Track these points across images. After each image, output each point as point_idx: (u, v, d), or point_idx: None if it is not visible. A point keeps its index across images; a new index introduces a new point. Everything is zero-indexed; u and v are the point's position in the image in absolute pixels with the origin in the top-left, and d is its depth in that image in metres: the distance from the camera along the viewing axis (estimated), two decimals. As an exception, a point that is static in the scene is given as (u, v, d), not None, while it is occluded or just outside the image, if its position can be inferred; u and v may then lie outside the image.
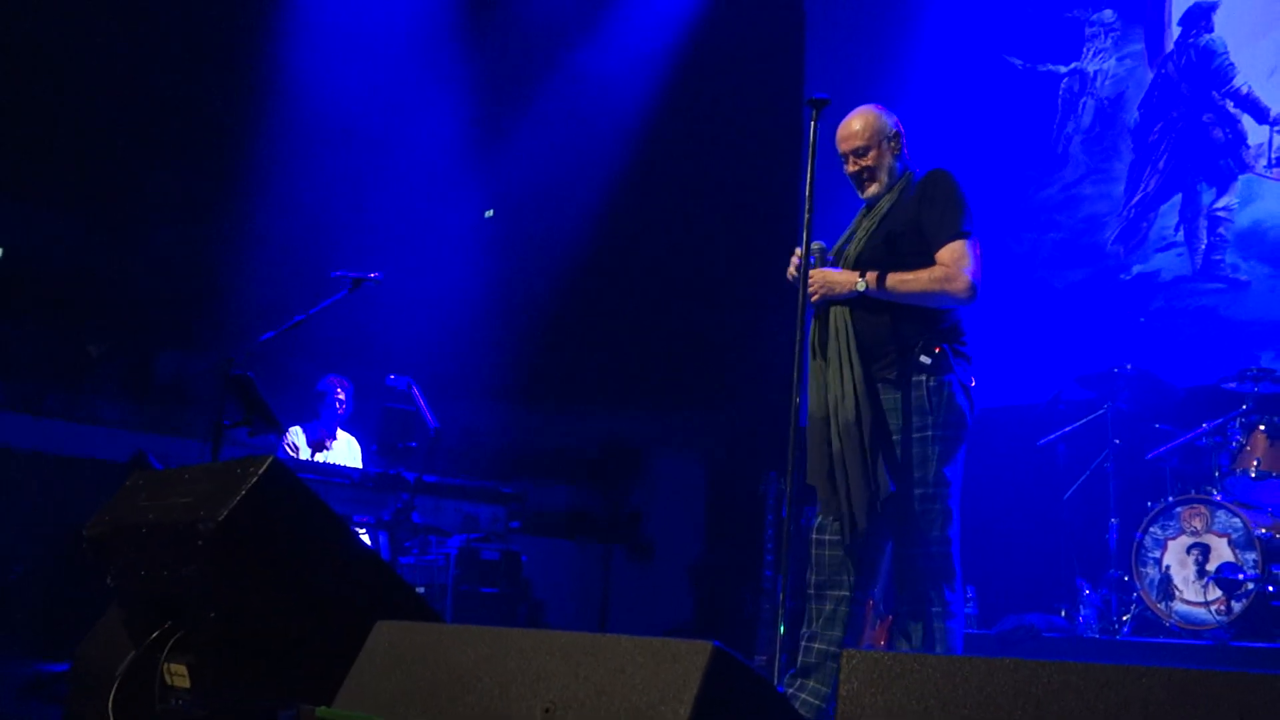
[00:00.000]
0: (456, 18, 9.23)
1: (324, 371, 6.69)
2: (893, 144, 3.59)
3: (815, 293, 3.37)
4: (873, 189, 3.59)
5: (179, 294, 9.42)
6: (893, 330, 3.37)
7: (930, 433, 3.30)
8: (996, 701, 1.69)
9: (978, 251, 3.44)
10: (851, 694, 1.78)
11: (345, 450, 6.60)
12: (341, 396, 6.55)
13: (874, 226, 3.52)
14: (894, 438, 3.32)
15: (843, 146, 3.62)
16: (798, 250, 3.49)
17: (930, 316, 3.39)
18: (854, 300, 3.39)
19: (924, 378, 3.32)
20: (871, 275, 3.35)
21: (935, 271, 3.36)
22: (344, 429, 6.64)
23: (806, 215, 3.39)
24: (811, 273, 3.36)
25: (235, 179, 9.02)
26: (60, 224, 10.00)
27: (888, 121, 3.61)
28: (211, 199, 9.39)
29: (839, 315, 3.41)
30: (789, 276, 3.54)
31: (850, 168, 3.62)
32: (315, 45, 8.81)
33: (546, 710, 1.98)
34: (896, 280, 3.35)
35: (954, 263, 3.37)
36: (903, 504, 3.28)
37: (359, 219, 9.17)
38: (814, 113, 3.39)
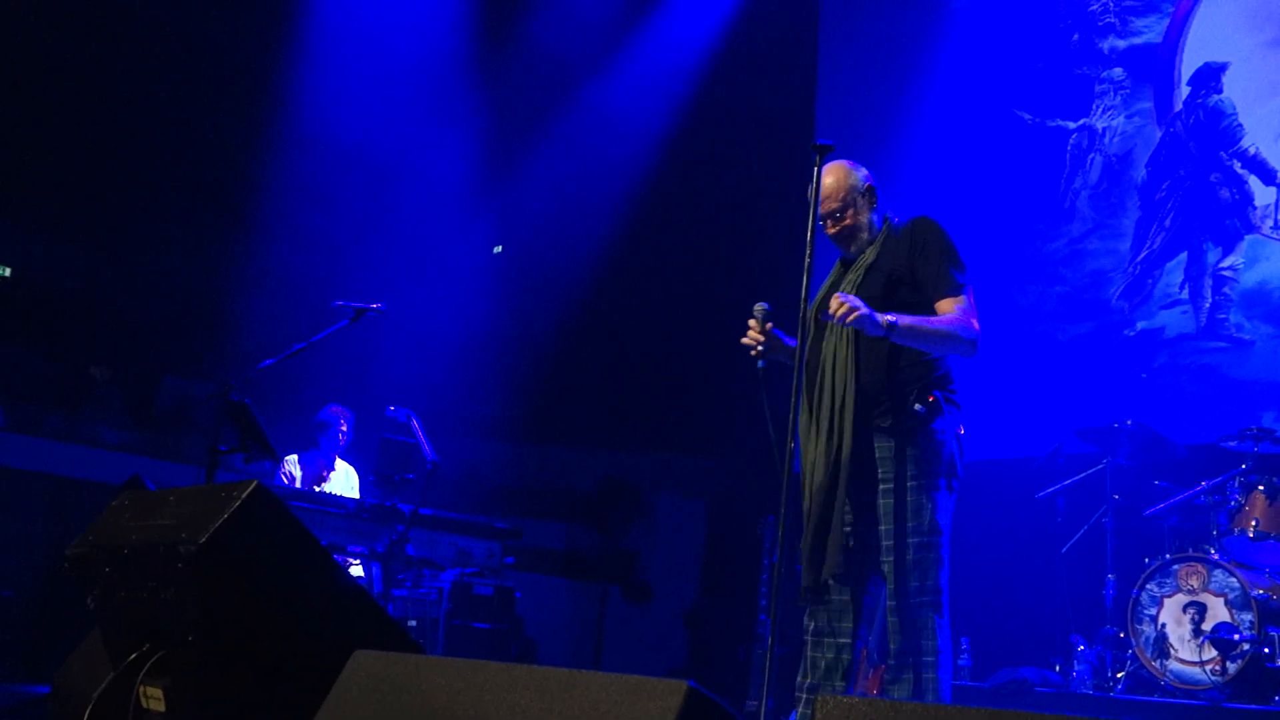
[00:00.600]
0: (469, 53, 9.32)
1: (325, 401, 6.70)
2: (867, 198, 3.57)
3: (846, 315, 3.18)
4: (855, 246, 3.58)
5: (183, 320, 9.47)
6: (890, 378, 3.35)
7: (924, 481, 3.30)
8: (970, 751, 1.66)
9: (974, 303, 3.44)
10: (824, 739, 1.76)
11: (343, 480, 6.60)
12: (344, 427, 6.55)
13: (859, 279, 3.47)
14: (886, 487, 3.30)
15: (820, 209, 3.57)
16: (754, 317, 3.47)
17: (926, 365, 3.38)
18: (858, 345, 3.36)
19: (916, 426, 3.31)
20: (894, 315, 3.26)
21: (952, 319, 3.35)
22: (343, 458, 6.64)
23: (807, 260, 3.34)
24: (841, 296, 3.24)
25: (242, 207, 9.09)
26: (68, 248, 10.08)
27: (859, 176, 3.59)
28: (218, 227, 9.46)
29: (840, 361, 3.37)
30: (750, 340, 3.47)
31: (830, 230, 3.58)
32: (327, 76, 8.90)
33: (518, 745, 1.96)
34: (918, 323, 3.30)
35: (964, 314, 3.37)
36: (897, 553, 3.26)
37: (365, 250, 9.21)
38: (817, 158, 3.38)
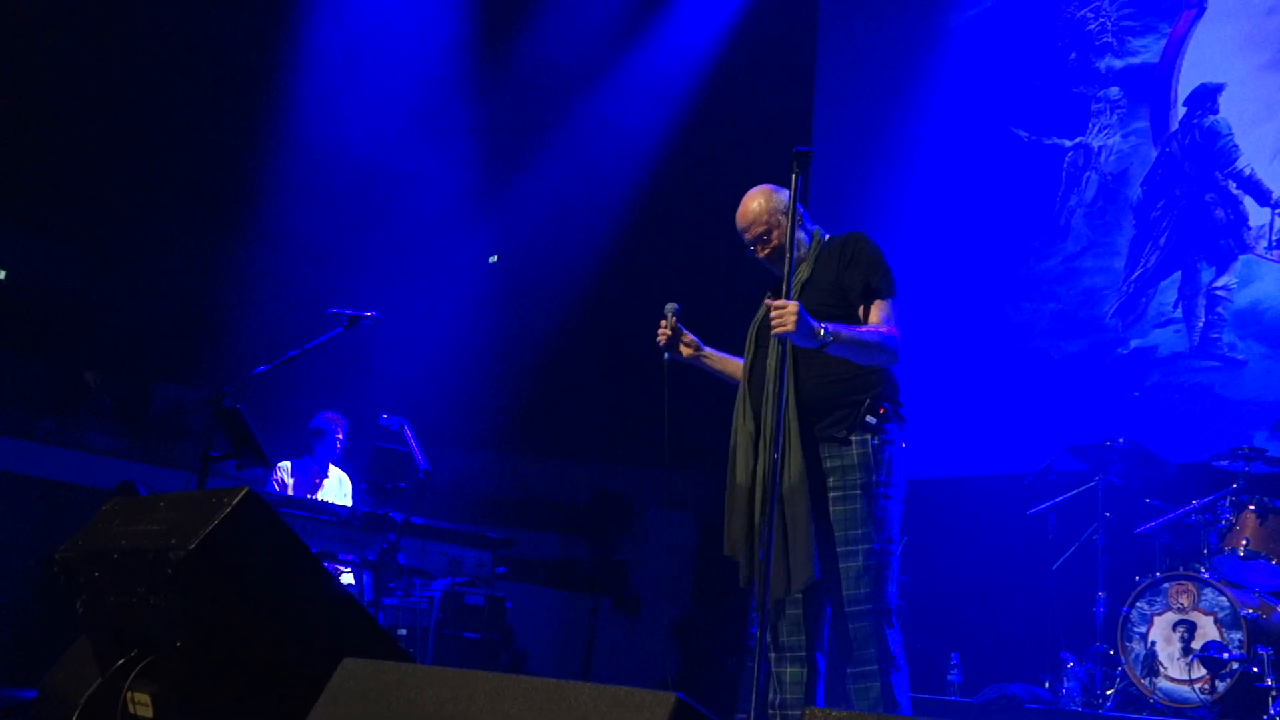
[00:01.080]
0: (467, 62, 9.34)
1: (318, 408, 6.69)
2: (790, 218, 3.49)
3: (780, 326, 3.15)
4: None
5: (177, 325, 9.46)
6: (841, 388, 3.37)
7: (875, 490, 3.31)
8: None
9: (897, 314, 3.48)
10: (811, 752, 1.76)
11: (336, 487, 6.58)
12: (339, 435, 6.53)
13: (796, 295, 3.42)
14: (836, 494, 3.32)
15: (746, 236, 3.63)
16: (666, 317, 3.60)
17: (872, 376, 3.40)
18: (798, 355, 3.35)
19: (868, 436, 3.33)
20: (831, 325, 3.25)
21: (878, 330, 3.38)
22: (337, 465, 6.63)
23: (786, 268, 3.35)
24: (780, 304, 3.19)
25: (237, 213, 9.09)
26: (62, 252, 10.07)
27: (780, 198, 3.61)
28: (213, 232, 9.46)
29: (777, 370, 3.27)
30: (661, 335, 3.61)
31: (761, 254, 3.63)
32: (324, 84, 8.91)
33: (505, 755, 1.95)
34: (850, 333, 3.31)
35: (887, 321, 3.41)
36: (849, 561, 3.27)
37: (360, 257, 9.21)
38: (794, 165, 3.31)
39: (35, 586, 6.64)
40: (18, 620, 6.54)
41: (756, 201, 3.61)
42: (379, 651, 2.51)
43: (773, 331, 3.18)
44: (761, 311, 3.61)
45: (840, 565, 3.28)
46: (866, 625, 3.24)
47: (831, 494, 3.33)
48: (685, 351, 3.70)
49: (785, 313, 3.14)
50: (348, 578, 5.85)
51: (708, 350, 3.76)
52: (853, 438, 3.34)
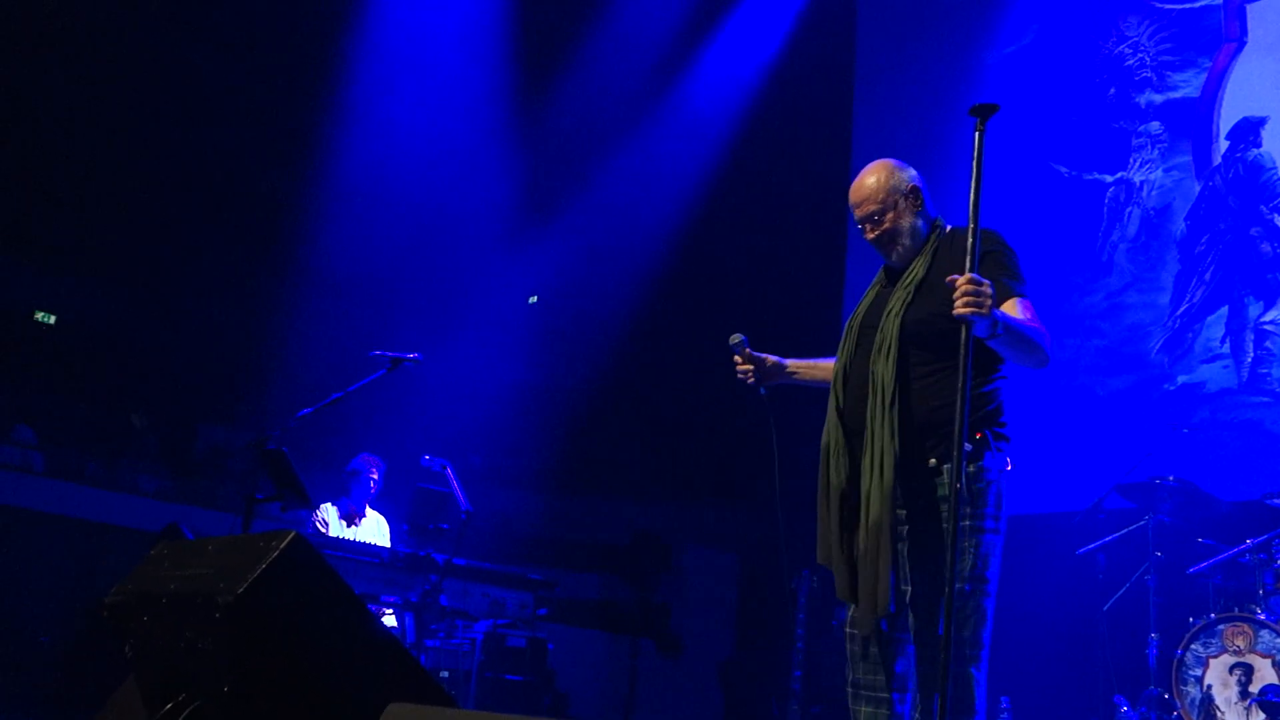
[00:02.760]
0: (507, 107, 9.44)
1: (361, 449, 6.73)
2: (910, 200, 3.24)
3: (972, 306, 2.78)
4: (897, 253, 3.26)
5: (222, 369, 9.57)
6: (943, 408, 3.01)
7: (974, 523, 3.01)
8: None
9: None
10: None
11: (374, 528, 6.60)
12: (375, 476, 6.56)
13: (909, 297, 3.15)
14: (928, 526, 3.03)
15: (857, 212, 3.28)
16: (739, 351, 3.40)
17: (983, 395, 3.09)
18: (904, 366, 3.08)
19: (966, 464, 2.98)
20: (1001, 314, 2.90)
21: (1037, 324, 3.06)
22: (373, 507, 6.65)
23: (970, 240, 2.88)
24: (975, 280, 2.81)
25: (281, 258, 9.20)
26: (110, 297, 10.23)
27: (904, 176, 3.27)
28: (257, 276, 9.57)
29: (883, 384, 3.07)
30: (741, 371, 3.40)
31: (869, 235, 3.28)
32: (367, 129, 9.03)
33: (553, 803, 1.93)
34: (1017, 326, 2.96)
35: (1038, 320, 3.09)
36: (933, 602, 2.96)
37: (403, 301, 9.29)
38: (979, 122, 2.95)
39: (80, 629, 6.69)
40: (64, 662, 6.59)
41: (874, 177, 3.26)
42: (424, 696, 2.50)
43: (957, 311, 2.79)
44: (865, 303, 3.32)
45: (930, 605, 2.98)
46: (954, 670, 2.84)
47: (922, 525, 3.05)
48: (772, 376, 3.44)
49: (983, 291, 2.79)
50: (390, 619, 5.85)
51: (792, 363, 3.49)
52: (945, 466, 3.01)
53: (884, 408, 3.06)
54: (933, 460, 3.04)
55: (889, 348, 3.11)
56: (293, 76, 9.18)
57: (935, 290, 3.06)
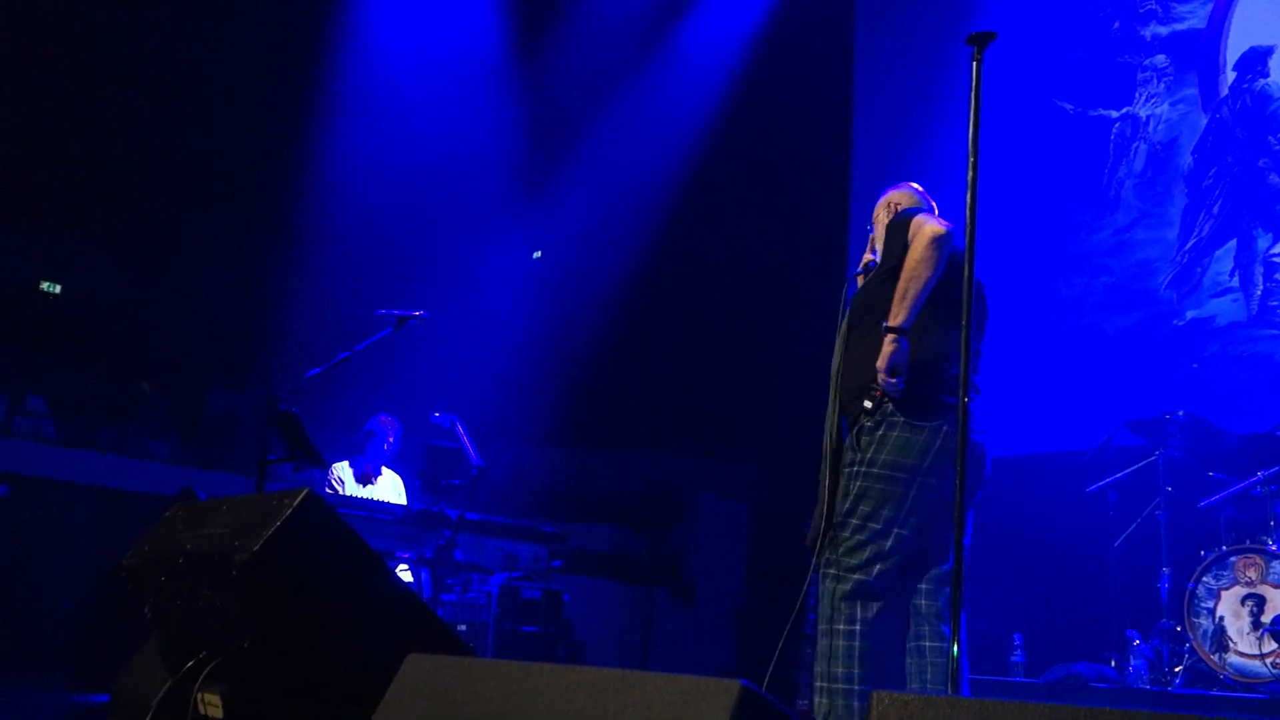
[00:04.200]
0: (506, 60, 9.36)
1: (370, 408, 6.74)
2: (885, 211, 3.84)
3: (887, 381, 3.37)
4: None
5: (229, 332, 9.57)
6: (858, 374, 3.50)
7: (854, 469, 3.43)
8: (1031, 746, 1.64)
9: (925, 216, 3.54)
10: (881, 736, 1.74)
11: (390, 487, 6.63)
12: (391, 439, 6.58)
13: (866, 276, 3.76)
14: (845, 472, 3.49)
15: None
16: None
17: (869, 360, 3.45)
18: (846, 341, 3.59)
19: (864, 419, 3.45)
20: (887, 321, 3.37)
21: (909, 258, 3.40)
22: (389, 467, 6.68)
23: (971, 175, 2.97)
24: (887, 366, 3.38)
25: (284, 219, 9.18)
26: (115, 265, 10.23)
27: (893, 196, 3.88)
28: (261, 239, 9.55)
29: (837, 351, 3.63)
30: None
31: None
32: (364, 87, 8.97)
33: (573, 747, 1.95)
34: (901, 299, 3.37)
35: (914, 235, 3.43)
36: (837, 531, 3.45)
37: (407, 258, 9.27)
38: (976, 51, 3.02)
39: (99, 593, 6.75)
40: (83, 627, 6.66)
41: (884, 195, 3.89)
42: (442, 646, 2.53)
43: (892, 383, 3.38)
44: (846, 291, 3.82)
45: (829, 535, 3.48)
46: (829, 589, 3.44)
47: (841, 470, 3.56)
48: None
49: (891, 381, 3.37)
50: (406, 575, 5.89)
51: None
52: (856, 421, 3.51)
53: (834, 372, 3.61)
54: (850, 414, 3.55)
55: (842, 321, 3.66)
56: (290, 41, 9.11)
57: (869, 270, 3.68)
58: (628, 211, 9.43)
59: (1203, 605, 4.88)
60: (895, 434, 3.38)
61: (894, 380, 3.34)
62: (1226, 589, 4.84)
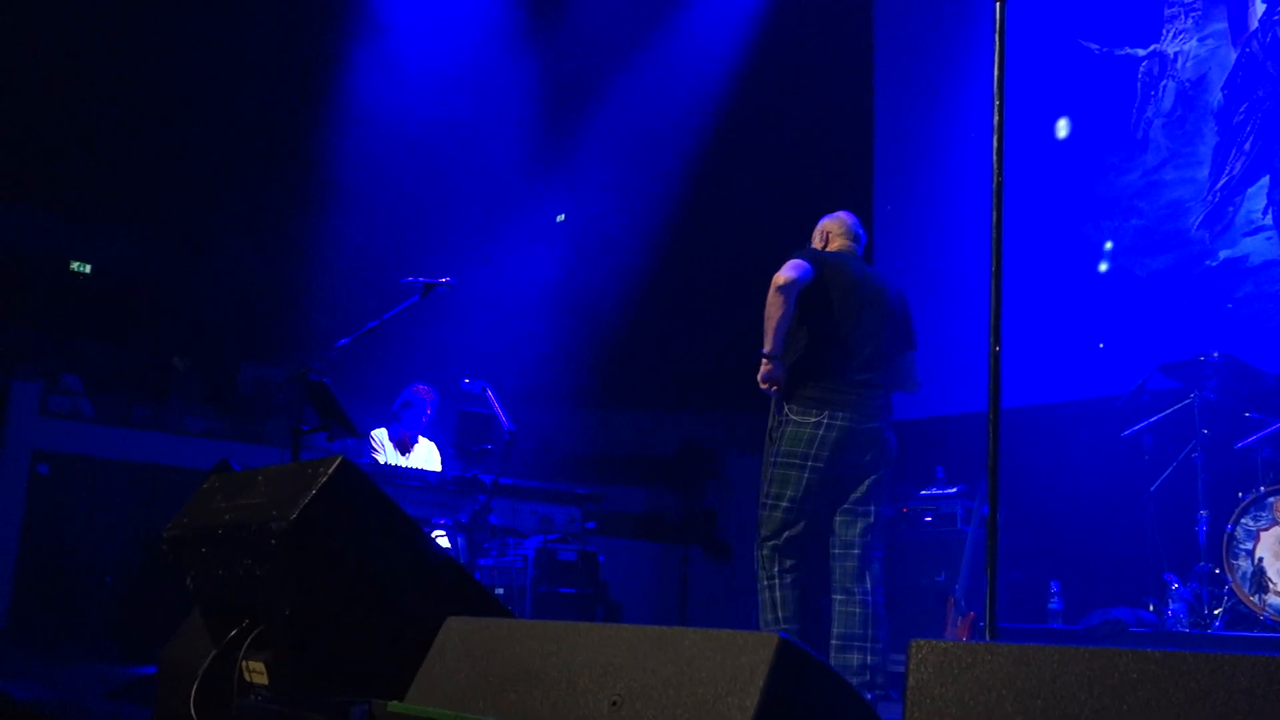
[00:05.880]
0: (526, 25, 9.29)
1: (400, 376, 6.77)
2: (818, 241, 4.63)
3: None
4: None
5: (258, 306, 9.63)
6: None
7: (769, 459, 4.24)
8: (1070, 691, 1.64)
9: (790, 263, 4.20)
10: (920, 685, 1.74)
11: (426, 455, 6.67)
12: (429, 411, 6.59)
13: None
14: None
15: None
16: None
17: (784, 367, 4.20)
18: None
19: (772, 421, 4.30)
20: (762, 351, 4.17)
21: (769, 316, 4.13)
22: (425, 435, 6.71)
23: (997, 118, 2.99)
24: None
25: (306, 191, 9.20)
26: (143, 243, 10.30)
27: (823, 226, 4.64)
28: (285, 214, 9.58)
29: None
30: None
31: None
32: (382, 55, 8.94)
33: (614, 703, 1.97)
34: (764, 335, 4.13)
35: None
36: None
37: (432, 225, 9.28)
38: (999, 4, 3.13)
39: (140, 567, 6.85)
40: (127, 600, 6.77)
41: (820, 222, 4.66)
42: (481, 609, 2.55)
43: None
44: None
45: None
46: (758, 554, 4.26)
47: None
48: None
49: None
50: (443, 541, 5.94)
51: None
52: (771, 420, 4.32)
53: None
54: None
55: None
56: (311, 13, 9.09)
57: None
58: (653, 172, 9.38)
59: (1241, 547, 4.85)
60: (789, 429, 4.17)
61: (772, 389, 4.19)
62: (1265, 530, 4.80)
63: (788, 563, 4.15)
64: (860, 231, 4.62)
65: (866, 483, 4.19)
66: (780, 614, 4.15)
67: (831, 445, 4.11)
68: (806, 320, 4.21)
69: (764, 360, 4.15)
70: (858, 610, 4.12)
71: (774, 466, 4.19)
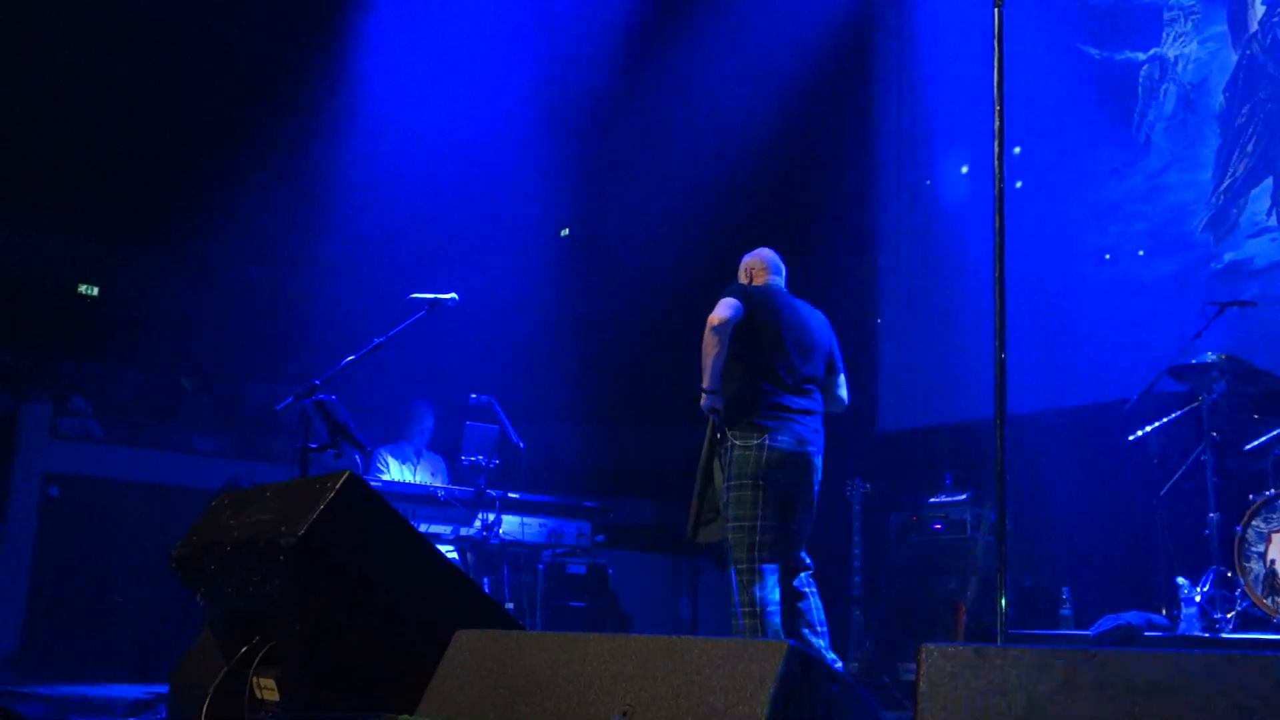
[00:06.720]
0: (531, 37, 9.31)
1: (407, 393, 6.78)
2: (743, 277, 4.93)
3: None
4: None
5: (265, 326, 9.65)
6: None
7: (724, 485, 4.44)
8: (1082, 693, 1.64)
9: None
10: (931, 688, 1.74)
11: (431, 470, 6.68)
12: (429, 423, 6.62)
13: None
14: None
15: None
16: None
17: (724, 398, 4.44)
18: None
19: (719, 448, 4.51)
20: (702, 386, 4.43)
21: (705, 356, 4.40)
22: (429, 450, 6.73)
23: (997, 123, 3.15)
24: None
25: (311, 208, 9.22)
26: (149, 265, 10.34)
27: (746, 262, 4.99)
28: (290, 233, 9.61)
29: None
30: None
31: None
32: (389, 70, 8.97)
33: (624, 713, 1.97)
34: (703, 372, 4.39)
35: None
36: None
37: (435, 242, 9.30)
38: (996, 7, 3.29)
39: (152, 586, 6.86)
40: (139, 619, 6.77)
41: (744, 259, 4.99)
42: (489, 621, 2.55)
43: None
44: None
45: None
46: (740, 580, 4.35)
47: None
48: None
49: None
50: (451, 556, 5.94)
51: None
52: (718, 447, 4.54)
53: None
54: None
55: None
56: (316, 33, 9.13)
57: None
58: (658, 185, 9.39)
59: (1253, 549, 4.83)
60: (735, 454, 4.37)
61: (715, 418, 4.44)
62: (1276, 532, 4.78)
63: (769, 582, 4.31)
64: (781, 264, 4.94)
65: (798, 504, 4.44)
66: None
67: (774, 466, 4.34)
68: (740, 354, 4.45)
69: (703, 394, 4.41)
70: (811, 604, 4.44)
71: (730, 491, 4.38)
